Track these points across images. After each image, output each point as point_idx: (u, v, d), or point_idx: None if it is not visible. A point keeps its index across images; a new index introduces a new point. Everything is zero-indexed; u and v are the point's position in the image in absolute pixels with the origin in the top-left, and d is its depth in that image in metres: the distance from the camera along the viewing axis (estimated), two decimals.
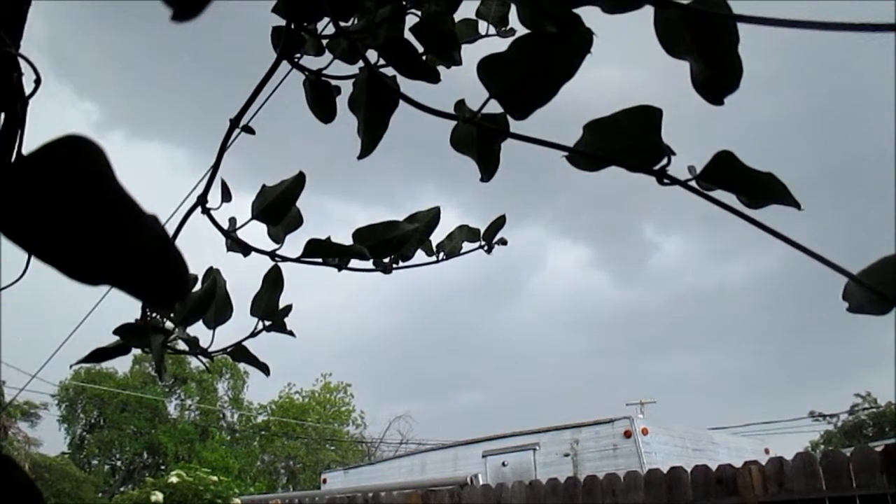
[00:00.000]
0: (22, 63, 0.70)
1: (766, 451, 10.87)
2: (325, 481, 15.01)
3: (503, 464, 10.96)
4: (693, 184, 0.57)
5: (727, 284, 44.23)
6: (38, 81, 0.69)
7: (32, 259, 0.29)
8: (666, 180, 0.58)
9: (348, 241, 0.97)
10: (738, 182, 0.56)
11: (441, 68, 0.89)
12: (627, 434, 9.72)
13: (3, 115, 0.65)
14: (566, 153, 0.63)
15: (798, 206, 0.57)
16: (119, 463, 32.16)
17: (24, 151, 0.73)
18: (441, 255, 1.14)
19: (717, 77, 0.56)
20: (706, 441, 10.98)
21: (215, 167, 0.92)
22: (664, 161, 0.59)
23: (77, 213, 0.24)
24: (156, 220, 0.25)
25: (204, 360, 1.08)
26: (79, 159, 0.23)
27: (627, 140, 0.59)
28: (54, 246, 0.24)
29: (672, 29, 0.54)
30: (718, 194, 0.58)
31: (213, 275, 1.04)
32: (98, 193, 0.24)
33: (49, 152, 0.23)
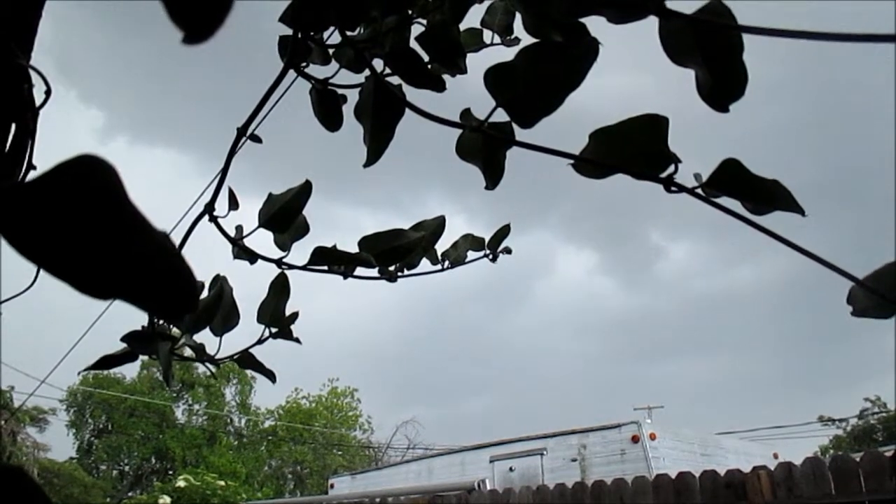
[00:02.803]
0: (32, 74, 0.70)
1: (775, 456, 10.81)
2: (332, 486, 15.00)
3: (510, 469, 10.93)
4: (699, 191, 0.58)
5: (735, 289, 44.09)
6: (48, 92, 0.69)
7: (41, 270, 0.30)
8: (673, 188, 0.58)
9: (353, 246, 0.97)
10: (743, 189, 0.56)
11: (446, 76, 0.90)
12: (635, 439, 9.68)
13: (14, 125, 0.66)
14: (572, 161, 0.63)
15: (802, 212, 0.57)
16: (127, 468, 32.22)
17: (35, 160, 0.74)
18: (446, 263, 1.14)
19: (723, 85, 0.56)
20: (714, 446, 10.93)
21: (222, 176, 0.92)
22: (671, 169, 0.59)
23: (90, 232, 0.25)
24: (166, 237, 0.26)
25: (211, 366, 1.09)
26: (92, 179, 0.24)
27: (634, 148, 0.59)
28: (67, 263, 0.25)
29: (677, 39, 0.54)
30: (724, 200, 0.58)
31: (220, 282, 1.04)
32: (110, 212, 0.24)
33: (63, 171, 0.24)
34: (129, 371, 31.41)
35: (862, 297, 0.50)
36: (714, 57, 0.54)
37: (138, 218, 0.25)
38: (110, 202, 0.24)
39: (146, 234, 0.25)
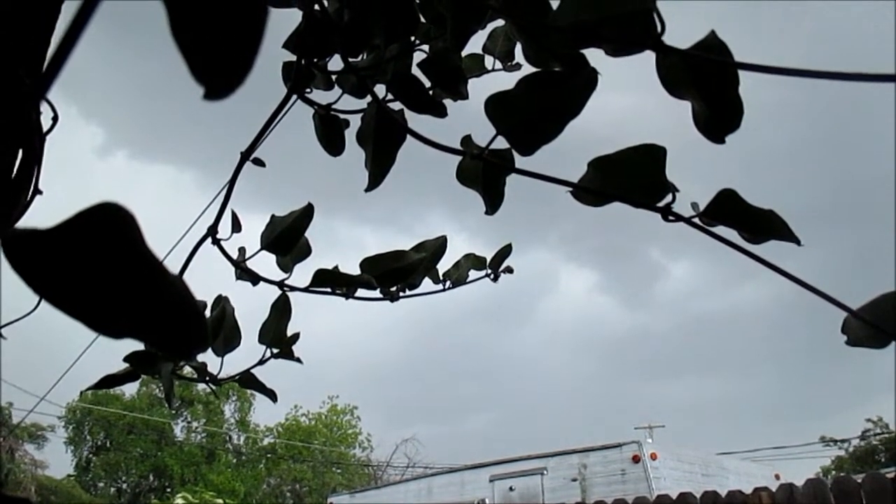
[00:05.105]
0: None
1: (777, 477, 10.74)
2: None
3: (510, 488, 10.86)
4: (696, 220, 0.58)
5: (736, 308, 44.00)
6: (55, 118, 0.71)
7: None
8: (671, 217, 0.59)
9: (354, 264, 0.98)
10: (740, 219, 0.57)
11: (447, 100, 0.91)
12: (636, 459, 9.61)
13: (21, 151, 0.67)
14: (571, 189, 0.64)
15: (798, 242, 0.58)
16: (125, 485, 31.99)
17: (40, 184, 0.75)
18: (448, 283, 1.15)
19: (718, 118, 0.57)
20: (716, 466, 10.86)
21: (225, 199, 0.93)
22: (668, 198, 0.60)
23: (107, 277, 0.26)
24: (181, 282, 0.27)
25: (212, 386, 1.09)
26: (112, 226, 0.25)
27: (632, 177, 0.60)
28: (85, 305, 0.26)
29: (673, 73, 0.55)
30: (720, 229, 0.59)
31: (221, 303, 1.05)
32: (128, 259, 0.25)
33: (84, 218, 0.25)
34: (129, 388, 31.25)
35: (857, 327, 0.51)
36: (709, 90, 0.55)
37: (154, 264, 0.26)
38: (128, 249, 0.25)
39: (161, 280, 0.26)
